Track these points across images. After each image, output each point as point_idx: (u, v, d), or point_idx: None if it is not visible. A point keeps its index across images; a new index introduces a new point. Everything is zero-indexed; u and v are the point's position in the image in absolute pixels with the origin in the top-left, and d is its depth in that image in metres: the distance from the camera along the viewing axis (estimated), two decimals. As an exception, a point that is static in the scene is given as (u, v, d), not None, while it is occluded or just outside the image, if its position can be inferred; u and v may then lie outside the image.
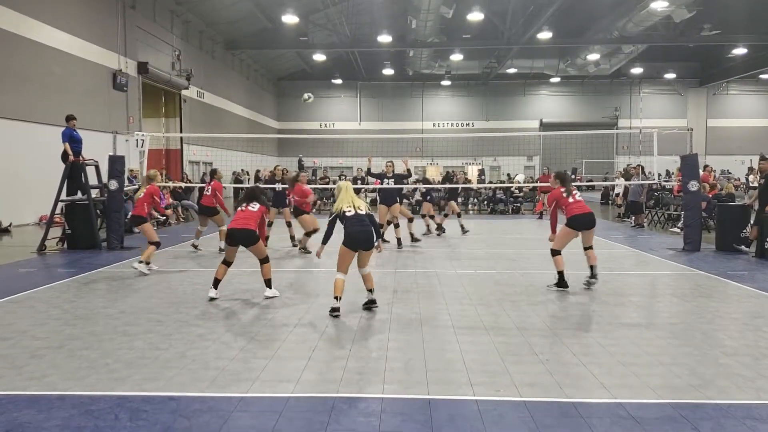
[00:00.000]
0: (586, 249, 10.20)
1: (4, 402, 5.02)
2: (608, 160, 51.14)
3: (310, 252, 13.86)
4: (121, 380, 5.52)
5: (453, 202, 19.21)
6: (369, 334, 7.08)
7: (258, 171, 32.56)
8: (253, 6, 34.50)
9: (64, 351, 6.41)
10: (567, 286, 9.89)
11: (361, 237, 8.16)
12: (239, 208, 9.28)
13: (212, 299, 8.88)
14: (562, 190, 10.23)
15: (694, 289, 9.86)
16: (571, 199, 10.12)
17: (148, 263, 11.38)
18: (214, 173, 15.04)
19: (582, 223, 10.01)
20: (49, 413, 4.78)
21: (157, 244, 11.81)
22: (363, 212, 8.40)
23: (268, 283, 9.28)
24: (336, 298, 8.03)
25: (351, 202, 8.45)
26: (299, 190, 14.24)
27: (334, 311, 7.98)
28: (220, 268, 9.16)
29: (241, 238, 8.97)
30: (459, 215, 18.95)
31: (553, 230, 10.32)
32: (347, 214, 8.32)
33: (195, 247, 14.66)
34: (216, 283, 9.06)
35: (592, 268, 10.08)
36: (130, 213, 12.44)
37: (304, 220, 14.22)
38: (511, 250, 14.78)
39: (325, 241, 8.50)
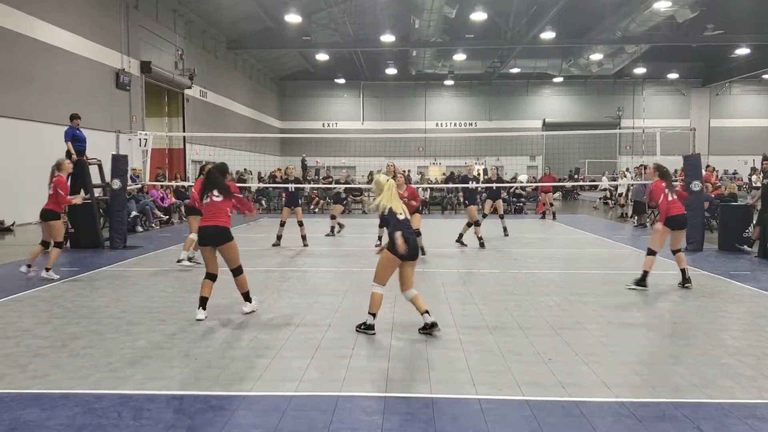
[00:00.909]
0: (675, 252, 10.08)
1: (8, 400, 5.03)
2: (611, 160, 51.11)
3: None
4: (124, 379, 5.53)
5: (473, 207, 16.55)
6: (371, 333, 7.08)
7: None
8: (256, 5, 34.49)
9: (67, 350, 6.42)
10: (647, 287, 9.76)
11: (411, 245, 7.02)
12: (204, 200, 7.96)
13: (200, 320, 7.63)
14: (665, 185, 10.11)
15: (697, 289, 9.85)
16: (670, 197, 10.02)
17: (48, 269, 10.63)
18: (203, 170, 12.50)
19: (678, 223, 10.01)
20: (53, 412, 4.79)
21: (60, 245, 11.13)
22: (404, 216, 7.23)
23: (245, 297, 8.08)
24: (372, 315, 7.09)
25: (397, 203, 7.26)
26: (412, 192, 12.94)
27: (369, 329, 7.05)
28: (205, 284, 7.84)
29: (211, 236, 7.76)
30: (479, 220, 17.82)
31: (662, 219, 10.03)
32: (398, 216, 7.11)
33: (190, 260, 12.23)
34: (203, 302, 7.79)
35: (683, 271, 9.93)
36: (43, 207, 11.00)
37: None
38: (513, 249, 14.78)
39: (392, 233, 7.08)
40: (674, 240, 10.09)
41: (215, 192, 7.88)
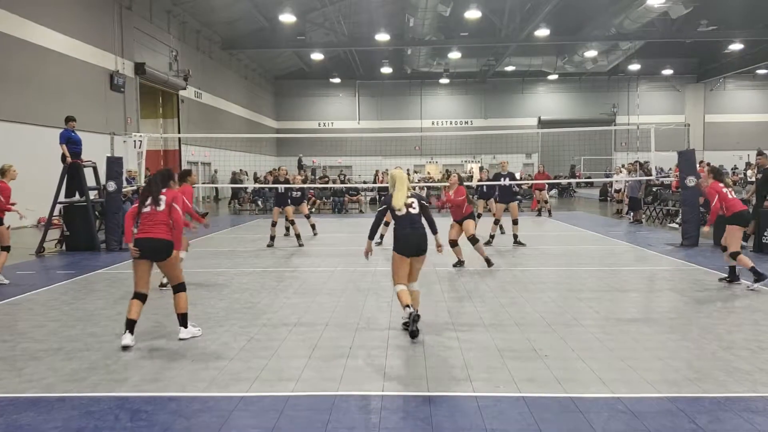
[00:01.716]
0: (735, 255, 9.71)
1: (4, 404, 5.03)
2: (606, 156, 51.14)
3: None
4: (120, 381, 5.53)
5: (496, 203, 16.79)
6: (368, 332, 7.09)
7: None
8: (250, 5, 34.46)
9: (64, 353, 6.42)
10: (766, 278, 9.49)
11: (413, 241, 7.10)
12: (142, 209, 7.09)
13: (126, 347, 6.54)
14: (722, 185, 10.04)
15: (693, 284, 9.88)
16: (730, 195, 9.97)
17: None
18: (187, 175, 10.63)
19: (747, 219, 9.96)
20: (49, 415, 4.79)
21: (7, 249, 10.92)
22: (416, 210, 7.25)
23: (182, 320, 6.98)
24: (406, 306, 6.84)
25: (403, 198, 7.21)
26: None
27: (412, 320, 6.75)
28: (133, 304, 6.85)
29: (148, 250, 6.93)
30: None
31: (712, 222, 10.16)
32: (398, 213, 7.18)
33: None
34: (131, 325, 6.73)
35: (753, 270, 9.51)
36: None
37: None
38: (509, 247, 14.78)
39: (371, 235, 7.47)
40: (734, 238, 9.82)
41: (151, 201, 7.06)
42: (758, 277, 9.49)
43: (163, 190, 7.10)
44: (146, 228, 6.91)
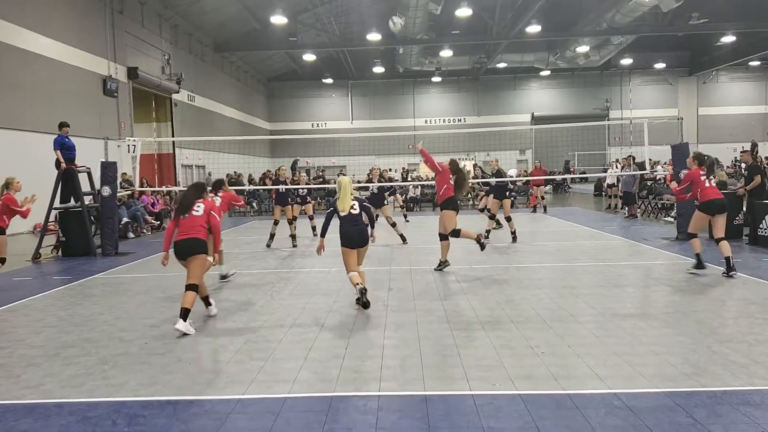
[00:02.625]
0: (718, 241, 10.25)
1: (2, 411, 5.03)
2: (600, 151, 51.19)
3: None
4: (118, 386, 5.53)
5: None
6: (364, 332, 7.10)
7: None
8: (242, 7, 34.42)
9: (61, 358, 6.41)
10: (704, 267, 10.29)
11: (354, 236, 8.56)
12: (179, 218, 7.84)
13: (179, 332, 7.19)
14: (702, 171, 10.49)
15: (688, 278, 9.92)
16: (707, 183, 10.41)
17: None
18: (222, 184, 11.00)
19: (716, 207, 10.31)
20: (47, 421, 4.79)
21: (3, 261, 11.03)
22: (357, 211, 8.68)
23: (184, 314, 7.29)
24: (357, 284, 8.30)
25: (346, 202, 8.67)
26: None
27: (362, 293, 8.24)
28: (186, 295, 7.50)
29: (184, 249, 7.64)
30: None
31: (679, 197, 10.97)
32: (341, 214, 8.65)
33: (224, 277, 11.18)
34: (185, 313, 7.35)
35: (727, 260, 10.00)
36: None
37: None
38: (505, 244, 14.79)
39: (323, 233, 8.84)
40: (717, 224, 10.36)
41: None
42: (699, 264, 10.36)
43: (200, 200, 7.99)
44: (185, 230, 7.67)
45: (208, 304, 8.14)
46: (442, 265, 11.34)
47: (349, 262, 8.57)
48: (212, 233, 8.03)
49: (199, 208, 7.87)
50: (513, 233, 15.26)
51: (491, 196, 16.88)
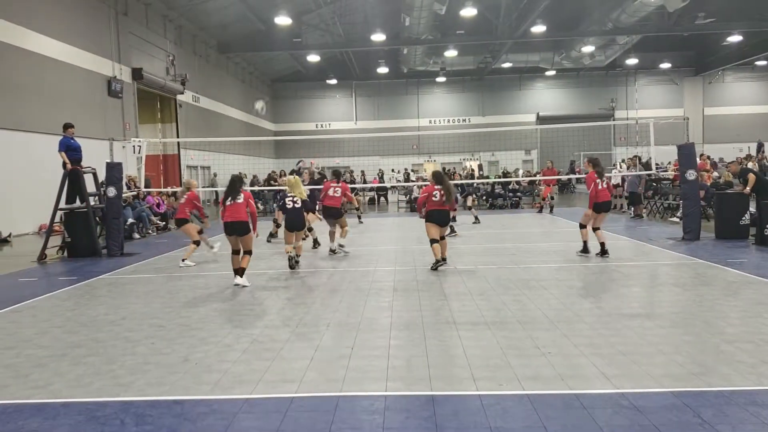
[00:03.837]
0: (595, 230, 12.43)
1: (10, 411, 5.03)
2: (606, 151, 51.10)
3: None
4: (125, 386, 5.54)
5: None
6: (370, 332, 7.10)
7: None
8: (246, 8, 34.45)
9: (68, 358, 6.42)
10: (589, 252, 12.47)
11: (291, 222, 11.83)
12: (226, 203, 10.41)
13: (238, 285, 10.14)
14: (596, 175, 12.35)
15: (695, 278, 9.90)
16: (600, 186, 12.29)
17: (183, 260, 12.78)
18: (340, 174, 14.72)
19: (604, 207, 12.41)
20: (55, 421, 4.80)
21: (197, 243, 13.29)
22: (299, 205, 11.87)
23: (241, 272, 10.29)
24: (288, 252, 11.80)
25: (295, 196, 11.88)
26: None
27: (295, 260, 11.74)
28: (234, 258, 10.48)
29: (233, 229, 10.29)
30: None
31: (591, 206, 12.42)
32: (287, 206, 11.90)
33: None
34: (239, 270, 10.30)
35: (602, 245, 12.27)
36: (175, 216, 14.45)
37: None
38: (510, 244, 14.79)
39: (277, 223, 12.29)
40: (599, 220, 12.54)
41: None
42: (585, 250, 12.56)
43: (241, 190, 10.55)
44: (231, 214, 10.26)
45: (241, 274, 10.28)
46: (437, 264, 11.46)
47: (289, 240, 11.85)
48: (252, 215, 10.40)
49: (240, 196, 10.34)
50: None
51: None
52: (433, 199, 11.56)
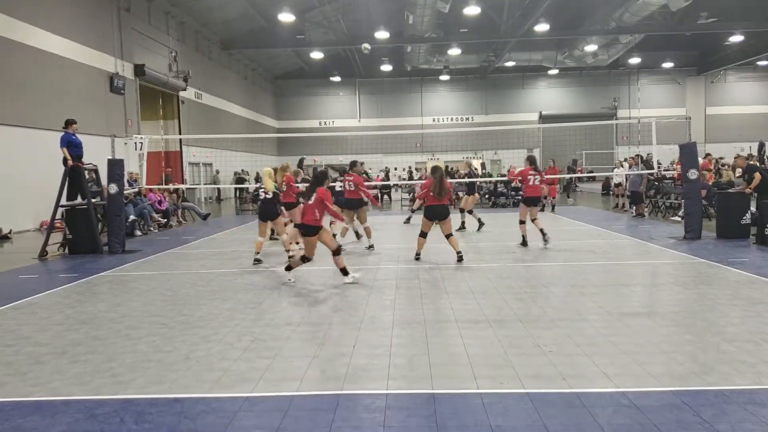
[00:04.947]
0: (533, 220, 14.00)
1: (9, 409, 5.03)
2: (608, 150, 51.10)
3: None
4: (125, 384, 5.54)
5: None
6: (372, 330, 7.09)
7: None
8: (249, 5, 34.46)
9: (68, 356, 6.42)
10: (527, 245, 13.84)
11: (264, 212, 12.52)
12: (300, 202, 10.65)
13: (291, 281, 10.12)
14: (531, 171, 13.83)
15: (696, 277, 9.88)
16: (531, 182, 13.82)
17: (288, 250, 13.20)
18: (354, 165, 15.20)
19: (532, 201, 13.96)
20: (54, 418, 4.79)
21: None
22: (270, 196, 12.32)
23: (343, 272, 10.10)
24: (257, 253, 12.42)
25: (266, 187, 12.29)
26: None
27: (257, 261, 12.30)
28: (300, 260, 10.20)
29: (306, 231, 9.94)
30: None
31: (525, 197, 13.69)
32: (261, 197, 12.52)
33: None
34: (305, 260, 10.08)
35: (542, 230, 13.65)
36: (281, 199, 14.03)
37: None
38: (512, 243, 14.76)
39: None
40: (532, 212, 14.03)
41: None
42: (523, 242, 13.97)
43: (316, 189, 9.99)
44: (303, 215, 10.00)
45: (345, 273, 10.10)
46: (418, 256, 12.45)
47: (261, 231, 12.62)
48: (329, 214, 10.05)
49: (312, 197, 9.87)
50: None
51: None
52: (431, 194, 11.95)
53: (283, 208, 13.72)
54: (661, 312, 7.77)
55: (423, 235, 12.14)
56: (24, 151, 19.78)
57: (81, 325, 7.75)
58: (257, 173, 34.02)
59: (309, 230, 9.80)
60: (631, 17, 35.28)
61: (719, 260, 11.25)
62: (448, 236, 11.97)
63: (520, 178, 14.83)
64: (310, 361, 6.01)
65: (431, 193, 11.86)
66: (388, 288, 9.57)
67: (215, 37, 38.14)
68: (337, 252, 9.97)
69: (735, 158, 14.79)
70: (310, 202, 9.82)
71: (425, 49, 43.92)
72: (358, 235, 15.24)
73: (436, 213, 11.91)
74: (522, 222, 13.94)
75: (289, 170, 14.25)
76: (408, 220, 20.26)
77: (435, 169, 12.11)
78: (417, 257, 12.30)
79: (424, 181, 21.47)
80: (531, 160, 14.24)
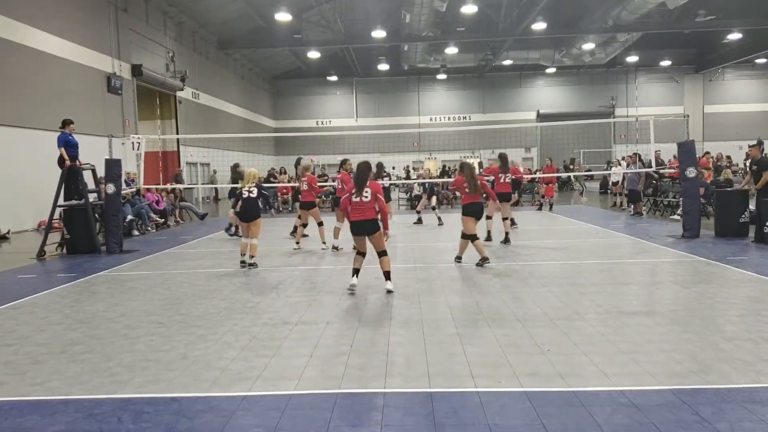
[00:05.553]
0: (504, 219, 14.45)
1: (7, 408, 5.03)
2: (606, 149, 51.12)
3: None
4: (123, 383, 5.53)
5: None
6: (370, 330, 7.09)
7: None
8: (246, 5, 34.43)
9: (66, 356, 6.41)
10: (491, 240, 14.28)
11: (245, 212, 11.70)
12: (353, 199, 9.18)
13: (353, 287, 9.22)
14: (501, 169, 14.54)
15: (694, 276, 9.89)
16: (501, 180, 14.48)
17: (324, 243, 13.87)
18: (344, 163, 15.59)
19: (504, 197, 14.33)
20: (53, 418, 4.78)
21: (321, 224, 14.17)
22: (254, 195, 11.65)
23: (387, 276, 9.27)
24: (243, 254, 11.87)
25: (248, 186, 11.66)
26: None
27: (249, 265, 11.71)
28: (357, 258, 9.37)
29: (359, 229, 9.24)
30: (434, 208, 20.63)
31: (494, 198, 12.62)
32: (243, 196, 11.67)
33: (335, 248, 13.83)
34: (356, 271, 9.30)
35: (507, 234, 14.26)
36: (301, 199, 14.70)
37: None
38: (510, 241, 14.75)
39: (234, 206, 12.86)
40: (504, 210, 14.50)
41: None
42: (488, 238, 14.24)
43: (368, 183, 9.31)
44: (357, 212, 9.15)
45: (388, 277, 9.30)
46: (459, 259, 11.73)
47: (244, 232, 11.94)
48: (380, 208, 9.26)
49: (367, 193, 9.15)
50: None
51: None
52: (466, 191, 11.33)
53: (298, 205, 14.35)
54: (659, 311, 7.77)
55: (473, 238, 11.22)
56: (22, 152, 19.74)
57: (79, 324, 7.74)
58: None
59: (372, 227, 9.11)
60: (629, 15, 35.28)
61: (718, 258, 11.25)
62: (475, 238, 11.29)
63: (491, 176, 15.04)
64: (307, 360, 6.00)
65: (466, 190, 11.22)
66: (387, 288, 9.55)
67: (212, 37, 38.10)
68: (384, 253, 9.29)
69: (750, 147, 14.57)
70: (366, 198, 9.06)
71: (422, 48, 43.87)
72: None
73: (475, 211, 11.23)
74: (489, 217, 14.37)
75: (310, 170, 14.74)
76: (419, 221, 19.74)
77: (463, 165, 11.50)
78: (487, 260, 11.21)
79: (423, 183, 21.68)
80: (502, 159, 14.87)
